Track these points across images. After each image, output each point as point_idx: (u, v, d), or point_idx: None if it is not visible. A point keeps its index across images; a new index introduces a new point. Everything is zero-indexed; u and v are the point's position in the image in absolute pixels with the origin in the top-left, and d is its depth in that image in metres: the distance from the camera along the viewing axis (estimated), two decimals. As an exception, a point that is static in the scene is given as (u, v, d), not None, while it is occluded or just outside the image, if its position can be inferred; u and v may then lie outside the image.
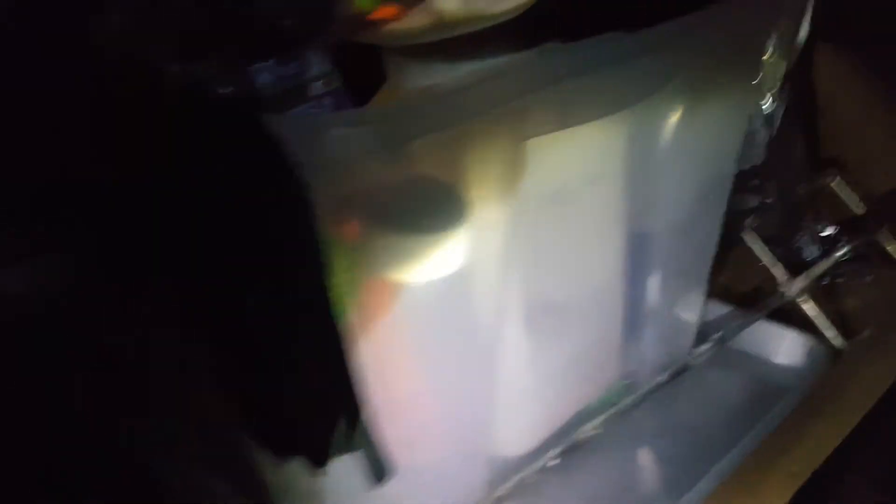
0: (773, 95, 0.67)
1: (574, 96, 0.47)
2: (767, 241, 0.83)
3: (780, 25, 0.62)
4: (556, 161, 0.53)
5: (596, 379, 0.68)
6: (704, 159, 0.64)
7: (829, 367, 0.71)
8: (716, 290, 0.85)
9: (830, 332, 0.72)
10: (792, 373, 0.73)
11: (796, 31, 0.65)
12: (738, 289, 0.80)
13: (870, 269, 0.83)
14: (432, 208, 0.44)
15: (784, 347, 0.75)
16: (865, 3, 0.73)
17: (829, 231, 0.83)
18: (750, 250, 0.80)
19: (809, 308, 0.72)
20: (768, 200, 0.78)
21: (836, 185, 0.82)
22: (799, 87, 0.78)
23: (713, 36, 0.56)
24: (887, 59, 0.79)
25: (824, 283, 0.84)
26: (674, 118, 0.56)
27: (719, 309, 0.79)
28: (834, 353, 0.73)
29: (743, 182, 0.80)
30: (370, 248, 0.44)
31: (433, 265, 0.48)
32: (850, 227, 0.84)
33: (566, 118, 0.50)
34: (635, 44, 0.50)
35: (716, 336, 0.68)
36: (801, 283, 0.72)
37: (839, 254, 0.72)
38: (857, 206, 0.81)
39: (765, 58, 0.62)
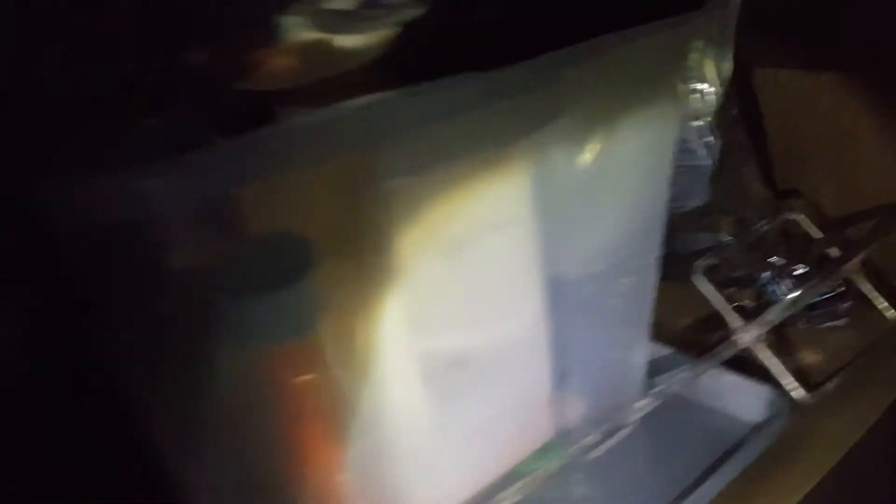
0: (711, 127, 0.62)
1: (443, 135, 0.43)
2: (731, 282, 0.78)
3: (694, 52, 0.57)
4: (451, 206, 0.49)
5: (523, 438, 0.63)
6: (624, 197, 0.59)
7: (788, 421, 0.65)
8: (670, 337, 0.80)
9: (790, 384, 0.66)
10: (747, 427, 0.67)
11: (723, 59, 0.60)
12: (697, 336, 0.75)
13: (840, 311, 0.77)
14: (278, 263, 0.40)
15: (740, 399, 0.69)
16: (809, 26, 0.69)
17: (798, 270, 0.78)
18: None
19: (766, 357, 0.66)
20: (724, 239, 0.73)
21: (802, 220, 0.76)
22: (750, 118, 0.73)
23: (611, 67, 0.51)
24: (850, 82, 0.74)
25: (792, 326, 0.78)
26: (583, 155, 0.52)
27: (671, 358, 0.74)
28: (794, 407, 0.67)
29: (693, 221, 0.75)
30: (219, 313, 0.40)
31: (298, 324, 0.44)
32: (819, 264, 0.78)
33: (435, 158, 0.46)
34: (510, 78, 0.46)
35: (659, 388, 0.62)
36: (755, 329, 0.66)
37: (794, 295, 0.66)
38: (825, 243, 0.75)
39: (693, 87, 0.57)
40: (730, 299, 0.74)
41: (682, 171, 0.70)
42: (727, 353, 0.66)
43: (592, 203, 0.57)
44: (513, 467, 0.60)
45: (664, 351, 0.75)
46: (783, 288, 0.75)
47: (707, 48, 0.59)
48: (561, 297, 0.59)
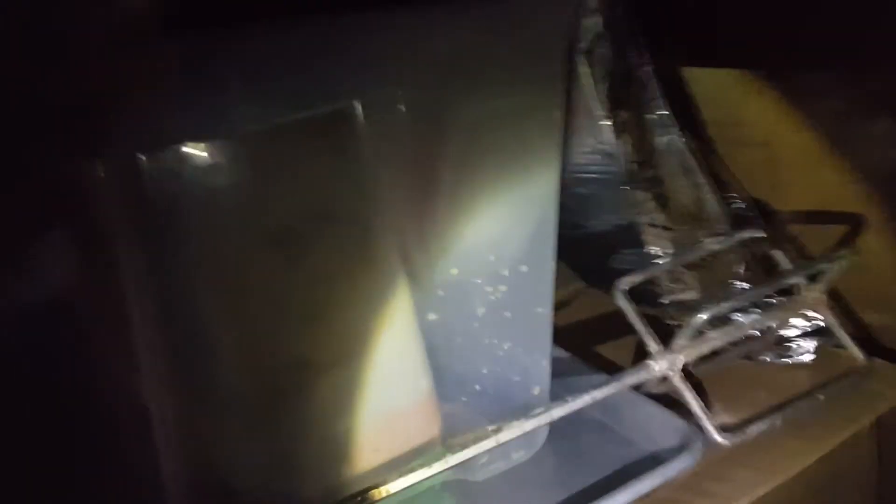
0: (628, 145, 0.55)
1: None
2: (689, 307, 0.70)
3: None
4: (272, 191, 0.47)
5: (392, 443, 0.59)
6: (504, 199, 0.54)
7: (693, 461, 0.57)
8: (602, 360, 0.73)
9: (705, 422, 0.58)
10: (653, 460, 0.59)
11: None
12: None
13: (803, 349, 0.68)
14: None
15: (654, 430, 0.61)
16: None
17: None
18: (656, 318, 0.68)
19: (681, 388, 0.59)
20: (660, 260, 0.65)
21: (763, 240, 0.67)
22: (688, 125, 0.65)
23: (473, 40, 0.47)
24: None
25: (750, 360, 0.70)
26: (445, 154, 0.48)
27: (594, 379, 0.68)
28: (709, 446, 0.59)
29: (623, 240, 0.68)
30: None
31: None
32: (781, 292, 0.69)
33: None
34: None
35: (544, 409, 0.56)
36: (667, 357, 0.59)
37: (700, 318, 0.57)
38: (785, 265, 0.66)
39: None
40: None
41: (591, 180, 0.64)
42: (634, 378, 0.59)
43: (465, 200, 0.53)
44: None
45: (590, 372, 0.70)
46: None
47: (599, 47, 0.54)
48: (446, 301, 0.56)
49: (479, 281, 0.54)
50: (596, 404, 0.70)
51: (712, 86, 0.75)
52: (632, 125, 0.63)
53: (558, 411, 0.58)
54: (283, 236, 0.48)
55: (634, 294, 0.75)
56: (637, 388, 0.66)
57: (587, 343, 0.78)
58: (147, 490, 0.47)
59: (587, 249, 0.78)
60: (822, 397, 0.60)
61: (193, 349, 0.48)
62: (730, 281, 0.68)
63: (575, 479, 0.61)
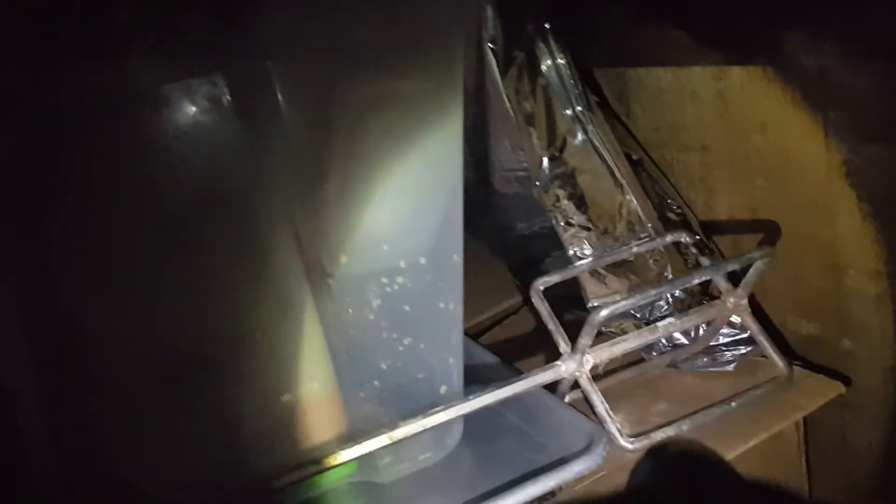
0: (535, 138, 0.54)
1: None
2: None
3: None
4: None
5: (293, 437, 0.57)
6: (398, 185, 0.53)
7: (595, 465, 0.55)
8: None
9: (611, 425, 0.56)
10: (557, 460, 0.58)
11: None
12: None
13: (726, 357, 0.66)
14: None
15: (563, 432, 0.60)
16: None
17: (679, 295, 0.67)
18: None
19: (588, 391, 0.57)
20: (582, 262, 0.64)
21: (690, 242, 0.66)
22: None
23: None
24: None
25: (674, 367, 0.68)
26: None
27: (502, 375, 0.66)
28: (613, 450, 0.57)
29: (549, 242, 0.67)
30: None
31: None
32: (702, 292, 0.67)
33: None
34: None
35: (453, 406, 0.55)
36: (576, 358, 0.57)
37: (602, 315, 0.54)
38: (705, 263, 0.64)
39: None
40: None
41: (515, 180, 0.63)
42: (542, 378, 0.57)
43: (357, 187, 0.52)
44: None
45: (512, 375, 0.69)
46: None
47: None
48: (339, 291, 0.55)
49: (374, 271, 0.53)
50: (512, 408, 0.69)
51: (653, 88, 0.74)
52: (540, 117, 0.61)
53: (454, 410, 0.56)
54: (170, 221, 0.48)
55: (566, 299, 0.73)
56: (555, 392, 0.65)
57: (527, 353, 0.77)
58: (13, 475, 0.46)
59: (521, 253, 0.77)
60: (734, 405, 0.58)
61: (69, 333, 0.48)
62: (654, 283, 0.66)
63: (483, 481, 0.59)
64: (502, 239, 0.76)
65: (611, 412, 0.56)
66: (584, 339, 0.56)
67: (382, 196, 0.52)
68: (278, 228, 0.51)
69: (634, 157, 0.73)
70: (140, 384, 0.50)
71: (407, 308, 0.55)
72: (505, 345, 0.85)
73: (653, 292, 0.55)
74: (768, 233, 0.66)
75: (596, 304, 0.68)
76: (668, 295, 0.67)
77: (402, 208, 0.52)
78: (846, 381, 0.63)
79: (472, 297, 0.91)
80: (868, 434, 0.64)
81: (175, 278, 0.49)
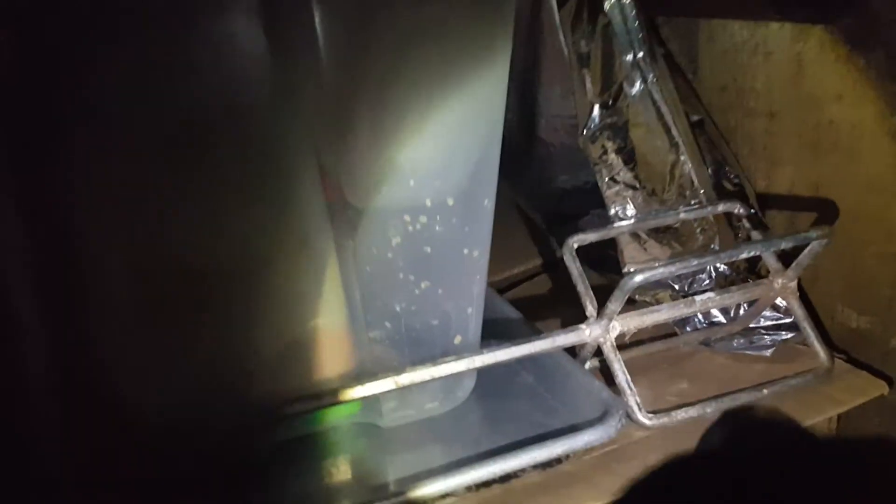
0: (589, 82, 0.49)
1: None
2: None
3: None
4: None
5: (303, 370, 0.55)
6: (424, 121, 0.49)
7: (608, 436, 0.52)
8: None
9: (631, 400, 0.53)
10: (571, 427, 0.55)
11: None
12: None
13: (766, 341, 0.61)
14: None
15: (579, 397, 0.57)
16: None
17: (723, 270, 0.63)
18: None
19: (612, 360, 0.54)
20: (623, 222, 0.59)
21: (745, 214, 0.61)
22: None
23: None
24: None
25: (708, 346, 0.64)
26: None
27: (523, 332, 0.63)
28: (628, 423, 0.53)
29: (591, 199, 0.62)
30: None
31: None
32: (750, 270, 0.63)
33: None
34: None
35: (464, 358, 0.52)
36: (602, 324, 0.53)
37: (633, 282, 0.51)
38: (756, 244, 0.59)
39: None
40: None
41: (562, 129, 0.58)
42: (563, 339, 0.54)
43: (389, 116, 0.49)
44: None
45: (527, 329, 0.65)
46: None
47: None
48: (359, 224, 0.52)
49: (397, 208, 0.50)
50: (529, 367, 0.66)
51: (725, 44, 0.68)
52: (596, 60, 0.56)
53: (465, 362, 0.53)
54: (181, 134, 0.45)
55: (597, 261, 0.69)
56: (577, 357, 0.62)
57: (553, 313, 0.74)
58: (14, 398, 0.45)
59: (559, 208, 0.73)
60: (765, 391, 0.54)
61: (74, 250, 0.46)
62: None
63: (489, 438, 0.57)
64: (542, 191, 0.71)
65: (631, 384, 0.53)
66: (613, 305, 0.52)
67: (415, 130, 0.48)
68: (302, 155, 0.48)
69: (695, 117, 0.68)
70: (145, 302, 0.49)
71: (428, 250, 0.52)
72: (531, 302, 0.82)
73: (694, 262, 0.51)
74: (829, 213, 0.61)
75: (632, 269, 0.64)
76: (712, 268, 0.63)
77: (433, 144, 0.49)
78: (890, 382, 0.58)
79: (504, 249, 0.88)
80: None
81: (190, 195, 0.47)
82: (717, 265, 0.63)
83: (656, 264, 0.50)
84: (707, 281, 0.64)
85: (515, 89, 0.67)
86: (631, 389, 0.53)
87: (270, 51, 0.44)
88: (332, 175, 0.50)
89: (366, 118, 0.48)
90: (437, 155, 0.50)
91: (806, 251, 0.54)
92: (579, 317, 0.58)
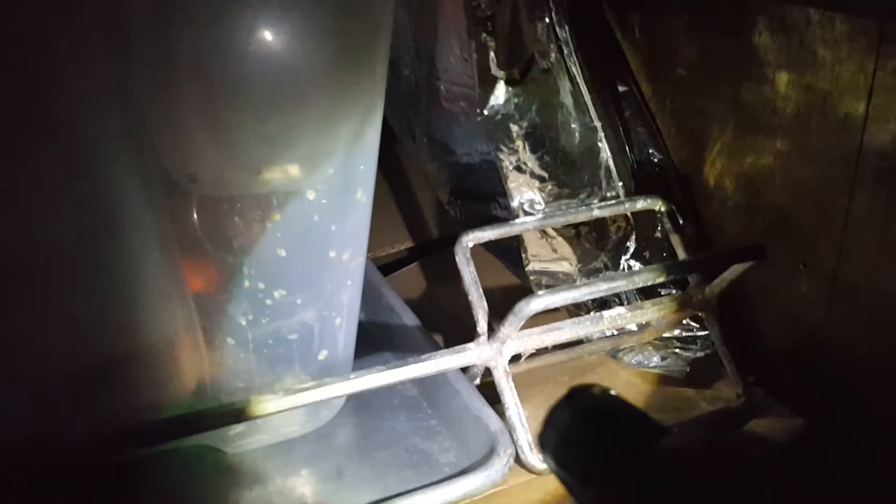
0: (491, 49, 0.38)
1: None
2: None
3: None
4: None
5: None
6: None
7: (499, 474, 0.44)
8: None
9: (523, 439, 0.45)
10: (453, 465, 0.47)
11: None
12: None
13: (678, 360, 0.54)
14: None
15: (467, 424, 0.48)
16: None
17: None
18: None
19: (503, 387, 0.46)
20: (528, 218, 0.50)
21: (664, 213, 0.53)
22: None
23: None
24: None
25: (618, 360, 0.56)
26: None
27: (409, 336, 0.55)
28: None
29: (492, 182, 0.52)
30: None
31: None
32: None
33: None
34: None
35: (305, 391, 0.42)
36: (493, 345, 0.45)
37: (535, 303, 0.42)
38: (681, 253, 0.52)
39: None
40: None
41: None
42: (445, 363, 0.45)
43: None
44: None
45: (425, 343, 0.56)
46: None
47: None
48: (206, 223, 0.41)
49: (237, 197, 0.39)
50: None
51: (657, 12, 0.58)
52: (502, 24, 0.46)
53: (325, 390, 0.44)
54: None
55: (497, 249, 0.60)
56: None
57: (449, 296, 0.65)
58: None
59: (458, 184, 0.63)
60: (675, 430, 0.47)
61: None
62: (615, 258, 0.54)
63: (354, 468, 0.49)
64: (441, 160, 0.61)
65: (523, 418, 0.45)
66: (506, 329, 0.43)
67: (260, 104, 0.37)
68: (133, 139, 0.36)
69: (622, 88, 0.58)
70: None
71: (282, 253, 0.42)
72: (428, 281, 0.73)
73: (604, 286, 0.42)
74: (762, 216, 0.53)
75: (536, 267, 0.55)
76: (625, 266, 0.55)
77: (287, 122, 0.38)
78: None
79: (400, 220, 0.78)
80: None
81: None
82: (629, 263, 0.55)
83: (558, 290, 0.41)
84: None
85: (417, 43, 0.56)
86: (523, 426, 0.45)
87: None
88: (166, 155, 0.38)
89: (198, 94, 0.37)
90: (291, 135, 0.39)
91: (732, 269, 0.47)
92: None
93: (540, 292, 0.41)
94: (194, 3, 0.34)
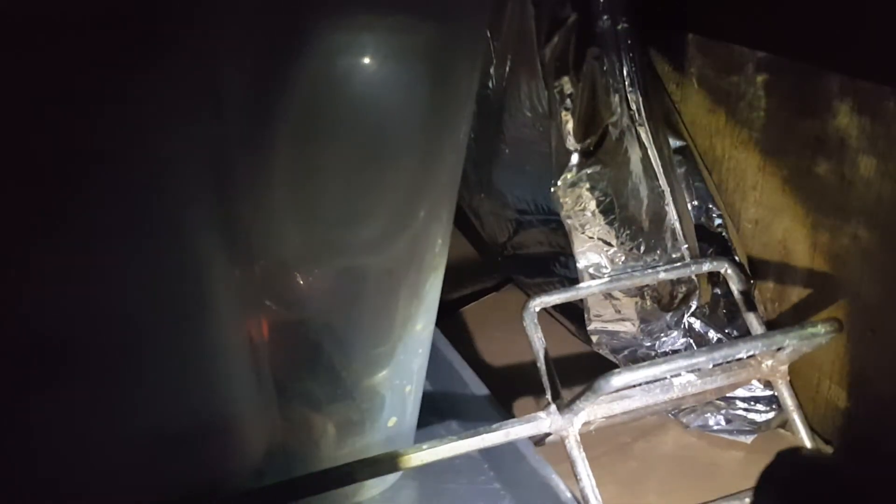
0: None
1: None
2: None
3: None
4: None
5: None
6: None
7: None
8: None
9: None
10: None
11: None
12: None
13: (746, 423, 0.54)
14: None
15: (533, 494, 0.48)
16: None
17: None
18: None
19: (575, 457, 0.45)
20: (593, 282, 0.50)
21: (729, 275, 0.52)
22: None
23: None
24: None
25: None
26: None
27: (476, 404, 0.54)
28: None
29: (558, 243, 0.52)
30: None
31: None
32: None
33: None
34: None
35: (361, 467, 0.41)
36: (566, 416, 0.44)
37: (612, 382, 0.41)
38: (754, 328, 0.51)
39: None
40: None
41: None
42: (516, 431, 0.45)
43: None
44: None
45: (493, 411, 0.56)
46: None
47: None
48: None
49: (319, 272, 0.39)
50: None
51: (721, 54, 0.57)
52: (580, 100, 0.46)
53: (389, 464, 0.43)
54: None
55: (559, 307, 0.60)
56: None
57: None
58: None
59: (516, 240, 0.63)
60: (747, 501, 0.46)
61: None
62: (678, 317, 0.53)
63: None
64: (497, 215, 0.61)
65: (597, 493, 0.45)
66: (581, 403, 0.43)
67: (345, 184, 0.37)
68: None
69: (677, 143, 0.58)
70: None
71: (362, 325, 0.42)
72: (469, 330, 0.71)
73: (683, 363, 0.42)
74: (829, 285, 0.52)
75: (598, 327, 0.54)
76: (687, 322, 0.55)
77: (378, 189, 0.37)
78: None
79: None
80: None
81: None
82: (690, 321, 0.55)
83: (638, 367, 0.41)
84: (681, 338, 0.56)
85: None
86: (597, 499, 0.45)
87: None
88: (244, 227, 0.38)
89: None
90: (379, 207, 0.39)
91: (810, 342, 0.46)
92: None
93: (618, 370, 0.41)
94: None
